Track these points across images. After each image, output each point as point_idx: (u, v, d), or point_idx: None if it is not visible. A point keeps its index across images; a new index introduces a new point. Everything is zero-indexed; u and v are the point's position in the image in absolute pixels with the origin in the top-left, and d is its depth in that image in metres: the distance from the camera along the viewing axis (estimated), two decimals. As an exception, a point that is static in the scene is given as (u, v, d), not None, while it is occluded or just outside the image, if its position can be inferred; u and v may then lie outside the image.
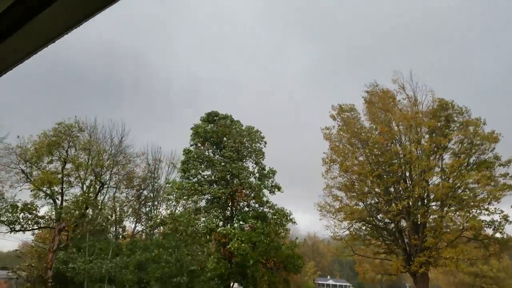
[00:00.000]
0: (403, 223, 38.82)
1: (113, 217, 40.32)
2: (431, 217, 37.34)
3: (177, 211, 24.22)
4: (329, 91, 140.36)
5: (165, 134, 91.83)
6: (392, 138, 39.33)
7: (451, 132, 38.26)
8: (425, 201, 38.32)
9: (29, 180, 33.34)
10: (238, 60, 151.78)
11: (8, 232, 27.43)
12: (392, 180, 38.14)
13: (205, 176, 26.14)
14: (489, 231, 35.62)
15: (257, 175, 27.44)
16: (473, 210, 35.63)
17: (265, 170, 27.50)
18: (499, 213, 34.27)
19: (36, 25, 1.74)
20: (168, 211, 25.59)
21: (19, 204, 28.63)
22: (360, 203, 41.37)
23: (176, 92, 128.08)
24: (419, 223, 37.12)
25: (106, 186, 42.70)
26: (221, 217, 24.57)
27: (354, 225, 42.77)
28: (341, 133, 42.33)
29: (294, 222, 26.28)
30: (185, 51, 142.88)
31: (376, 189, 40.43)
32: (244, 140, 26.43)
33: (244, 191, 25.61)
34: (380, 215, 41.73)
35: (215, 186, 25.47)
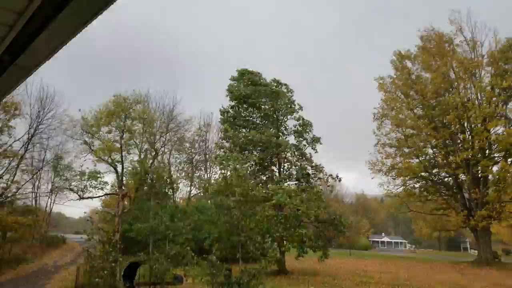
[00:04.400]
0: (462, 177, 36.90)
1: (169, 182, 42.56)
2: (494, 169, 35.02)
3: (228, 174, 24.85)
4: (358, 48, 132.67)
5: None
6: (449, 86, 36.62)
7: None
8: (487, 152, 35.91)
9: (91, 150, 35.87)
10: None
11: (78, 199, 30.12)
12: (449, 131, 35.93)
13: (246, 138, 26.24)
14: None
15: (299, 128, 27.15)
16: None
17: (305, 124, 27.10)
18: None
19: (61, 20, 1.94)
20: (220, 174, 26.25)
21: (86, 173, 31.09)
22: (415, 159, 39.74)
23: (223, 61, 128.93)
24: (480, 176, 35.10)
25: (161, 153, 44.93)
26: (265, 178, 24.97)
27: (408, 182, 41.47)
28: (396, 82, 40.19)
29: (338, 178, 25.97)
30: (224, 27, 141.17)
31: (433, 142, 38.41)
32: (279, 97, 26.22)
33: (286, 152, 25.75)
34: (437, 169, 39.95)
35: (256, 149, 25.64)
